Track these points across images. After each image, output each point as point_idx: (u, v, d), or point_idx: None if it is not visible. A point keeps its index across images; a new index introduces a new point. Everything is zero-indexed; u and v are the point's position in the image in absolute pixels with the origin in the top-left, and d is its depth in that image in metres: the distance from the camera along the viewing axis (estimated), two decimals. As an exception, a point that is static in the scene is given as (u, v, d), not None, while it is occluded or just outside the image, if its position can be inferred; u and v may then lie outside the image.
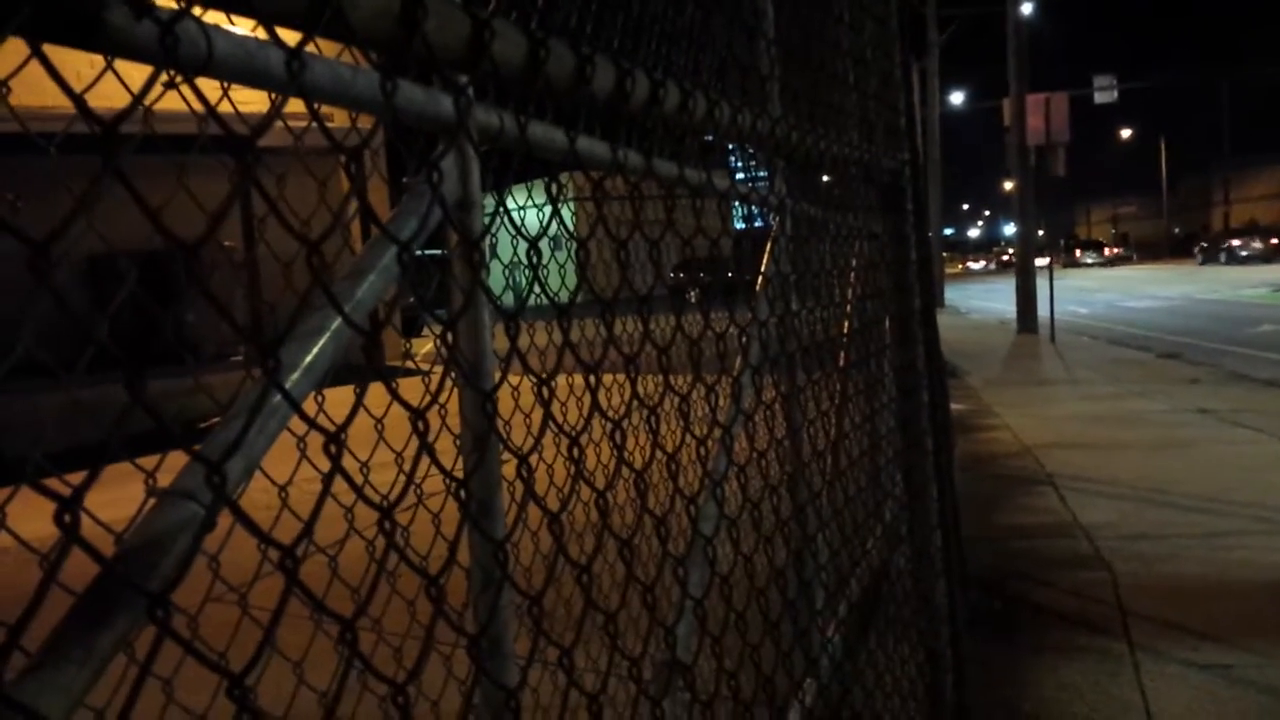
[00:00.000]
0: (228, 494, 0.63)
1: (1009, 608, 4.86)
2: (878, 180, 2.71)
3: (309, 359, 1.36)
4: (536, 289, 1.07)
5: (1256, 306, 23.16)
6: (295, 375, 1.33)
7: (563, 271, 2.56)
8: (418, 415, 0.77)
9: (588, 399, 1.16)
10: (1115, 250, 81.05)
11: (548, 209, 1.25)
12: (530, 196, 2.44)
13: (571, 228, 1.34)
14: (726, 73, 1.86)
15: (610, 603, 1.15)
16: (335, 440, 0.67)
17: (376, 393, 1.07)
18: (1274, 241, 53.00)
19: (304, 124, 1.64)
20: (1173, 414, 9.75)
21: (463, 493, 0.84)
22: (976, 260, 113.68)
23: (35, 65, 0.90)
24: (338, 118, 1.54)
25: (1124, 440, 8.62)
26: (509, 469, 1.49)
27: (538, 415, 1.09)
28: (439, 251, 2.07)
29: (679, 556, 1.25)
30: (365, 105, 1.52)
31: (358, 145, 0.80)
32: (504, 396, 1.99)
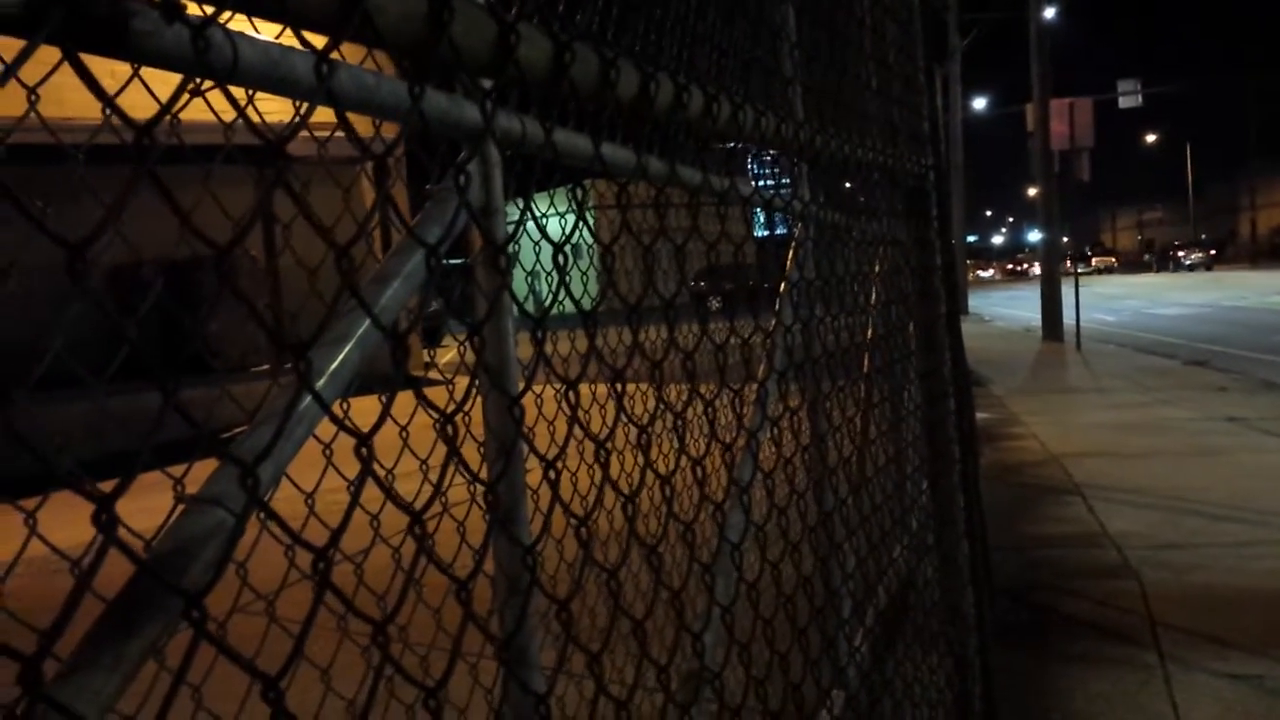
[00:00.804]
0: (260, 497, 0.63)
1: (1037, 617, 4.83)
2: (902, 185, 2.71)
3: (334, 365, 1.36)
4: (560, 295, 1.07)
5: (1285, 313, 22.98)
6: (321, 381, 1.33)
7: (585, 279, 2.56)
8: (446, 419, 0.77)
9: (611, 406, 1.16)
10: (1105, 260, 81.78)
11: (570, 216, 1.25)
12: (552, 204, 2.45)
13: (592, 236, 1.34)
14: (750, 76, 1.87)
15: (637, 611, 1.15)
16: (365, 443, 0.67)
17: (400, 403, 1.07)
18: (1213, 252, 60.28)
19: (326, 133, 1.66)
20: (1201, 422, 9.67)
21: (489, 498, 0.84)
22: (985, 269, 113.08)
23: (56, 76, 0.91)
24: (359, 126, 1.55)
25: (1152, 449, 8.56)
26: (533, 477, 1.50)
27: (561, 423, 1.09)
28: (461, 260, 2.08)
29: (705, 564, 1.24)
30: (389, 112, 1.52)
31: (383, 152, 0.80)
32: (528, 404, 2.00)
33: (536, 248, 1.87)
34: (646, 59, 1.28)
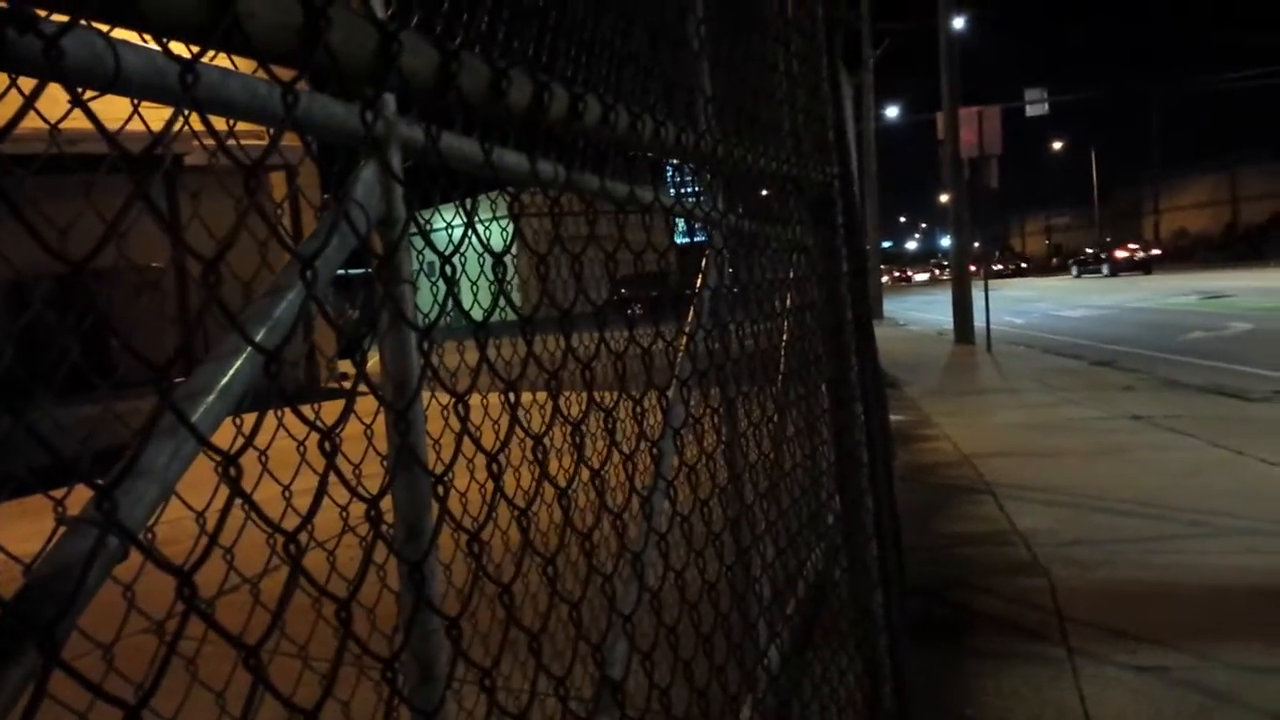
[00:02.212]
0: (119, 520, 0.61)
1: (950, 616, 4.90)
2: (807, 194, 2.73)
3: (225, 380, 1.33)
4: (448, 306, 1.06)
5: (1186, 314, 23.68)
6: (210, 398, 1.30)
7: (509, 286, 2.54)
8: (325, 435, 0.76)
9: (522, 415, 1.15)
10: (1006, 265, 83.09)
11: (493, 227, 1.24)
12: (479, 213, 2.42)
13: (514, 246, 1.33)
14: (651, 86, 1.87)
15: (551, 622, 1.14)
16: (233, 462, 0.65)
17: (326, 416, 1.05)
18: (1118, 255, 60.52)
19: (235, 140, 1.62)
20: (1107, 421, 9.92)
21: (375, 513, 0.82)
22: (919, 271, 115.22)
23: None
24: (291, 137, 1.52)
25: (1060, 448, 8.76)
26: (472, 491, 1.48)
27: (493, 428, 1.07)
28: (366, 270, 2.05)
29: (605, 574, 1.24)
30: (279, 120, 1.50)
31: (255, 161, 0.78)
32: (437, 418, 1.97)
33: (464, 258, 1.85)
34: (543, 68, 1.27)
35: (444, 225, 2.14)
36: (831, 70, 2.94)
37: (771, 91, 2.57)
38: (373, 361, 1.64)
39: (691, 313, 2.28)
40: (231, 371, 1.33)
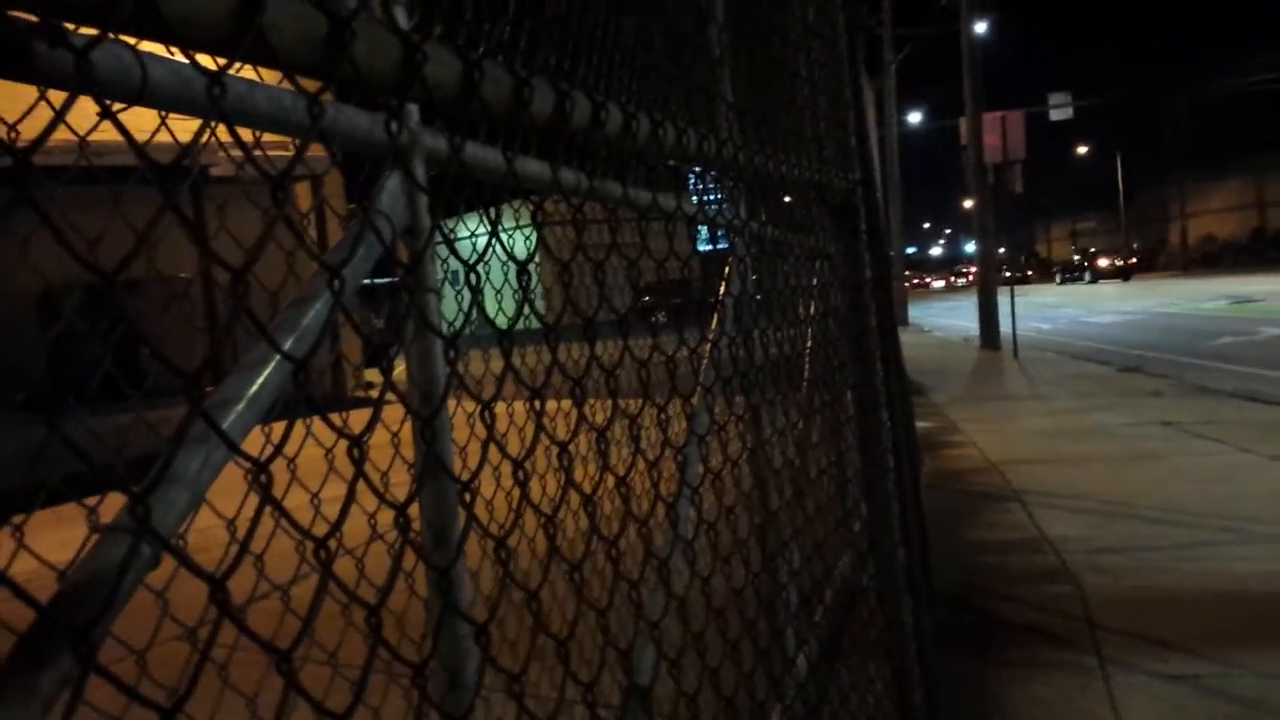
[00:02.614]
0: (153, 526, 0.62)
1: (978, 623, 4.87)
2: (830, 201, 2.73)
3: (253, 390, 1.34)
4: (477, 314, 1.06)
5: (1215, 319, 23.49)
6: (240, 407, 1.31)
7: (532, 295, 2.55)
8: (354, 442, 0.76)
9: (547, 423, 1.15)
10: (1013, 272, 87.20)
11: (517, 236, 1.25)
12: (481, 222, 2.44)
13: (537, 254, 1.34)
14: (672, 94, 1.88)
15: (580, 630, 1.15)
16: (263, 469, 0.66)
17: (350, 424, 1.06)
18: (1099, 264, 66.14)
19: (262, 153, 1.64)
20: (1136, 427, 9.85)
21: (403, 520, 0.83)
22: (936, 279, 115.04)
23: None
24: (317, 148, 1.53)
25: (1088, 454, 8.70)
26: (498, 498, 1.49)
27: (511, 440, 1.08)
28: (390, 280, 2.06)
29: (632, 580, 1.24)
30: (305, 131, 1.51)
31: (281, 171, 0.79)
32: (463, 425, 1.98)
33: (498, 267, 1.86)
34: (563, 76, 1.28)
35: (468, 234, 2.15)
36: (853, 76, 2.94)
37: (793, 98, 2.57)
38: (399, 370, 1.65)
39: (715, 320, 2.28)
40: (260, 380, 1.35)
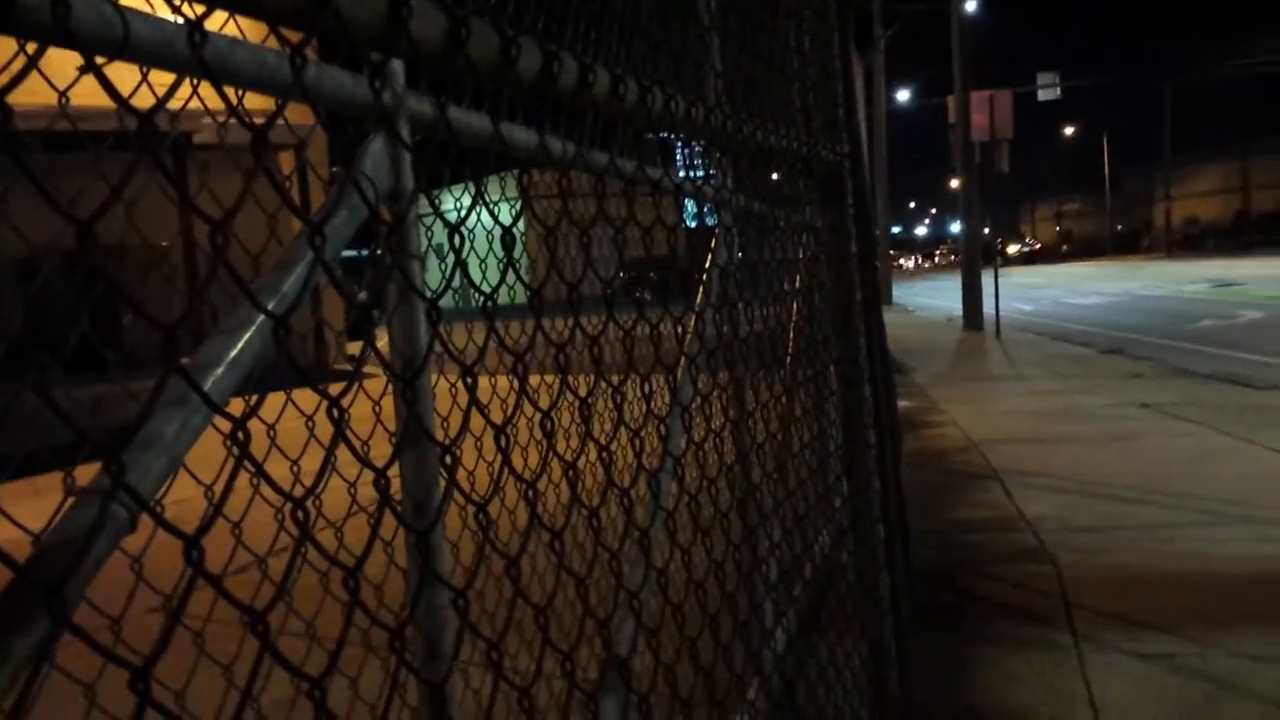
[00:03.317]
0: (129, 483, 0.61)
1: (955, 601, 4.91)
2: (817, 173, 2.72)
3: (233, 353, 1.33)
4: (461, 280, 1.05)
5: (1197, 302, 23.62)
6: (219, 370, 1.30)
7: (517, 266, 2.54)
8: (333, 402, 0.75)
9: (536, 393, 1.14)
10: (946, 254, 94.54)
11: (502, 206, 1.23)
12: (487, 192, 2.42)
13: (523, 226, 1.33)
14: (660, 60, 1.86)
15: (558, 601, 1.14)
16: (241, 426, 0.65)
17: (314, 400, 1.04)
18: (1009, 250, 74.33)
19: (250, 118, 1.62)
20: (1116, 408, 9.91)
21: (383, 482, 0.82)
22: (908, 258, 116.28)
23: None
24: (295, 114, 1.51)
25: (1068, 435, 8.75)
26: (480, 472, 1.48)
27: (485, 413, 1.07)
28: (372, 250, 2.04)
29: (612, 550, 1.23)
30: (290, 91, 1.49)
31: (265, 120, 0.77)
32: (445, 397, 1.97)
33: (482, 235, 1.85)
34: (551, 38, 1.26)
35: (452, 204, 2.13)
36: (843, 47, 2.92)
37: (782, 68, 2.55)
38: (380, 343, 1.64)
39: (701, 292, 2.27)
40: (240, 344, 1.33)
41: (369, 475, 0.90)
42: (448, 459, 0.90)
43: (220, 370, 1.29)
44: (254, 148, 0.73)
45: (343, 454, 1.35)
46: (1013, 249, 78.14)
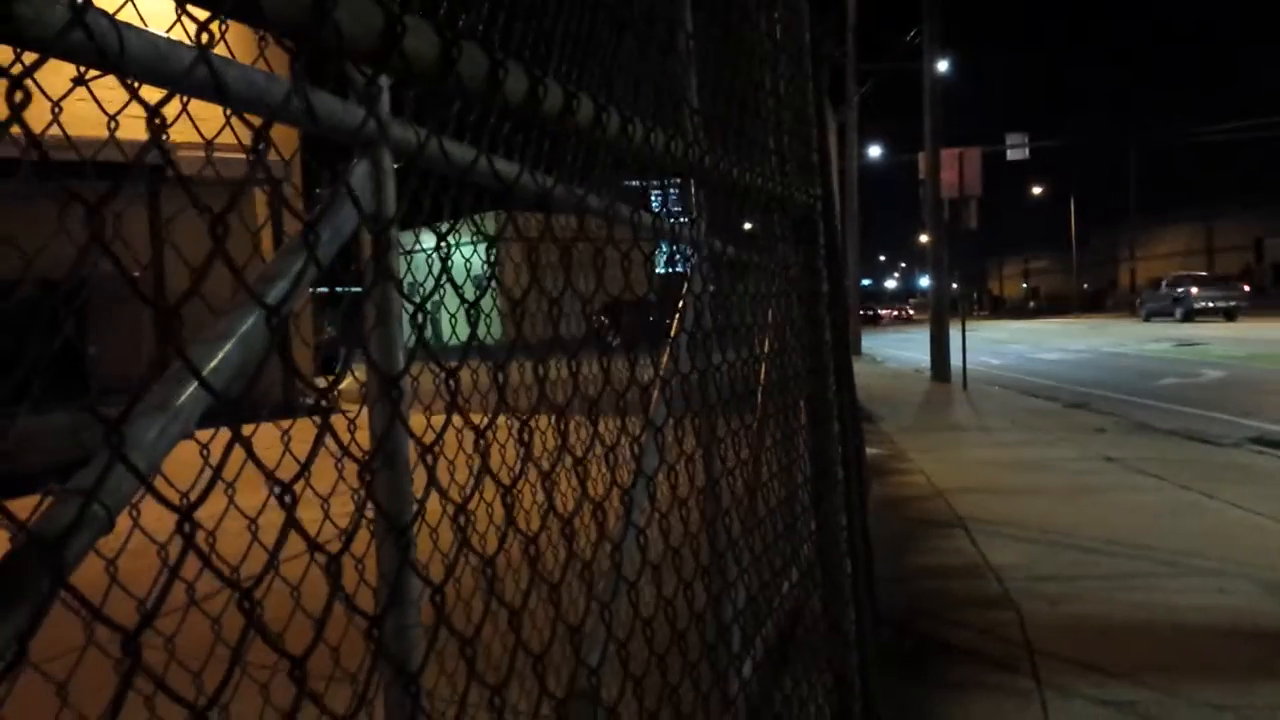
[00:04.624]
0: (124, 452, 0.63)
1: (920, 646, 4.93)
2: (791, 213, 2.78)
3: (214, 363, 1.35)
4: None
5: (1160, 360, 23.90)
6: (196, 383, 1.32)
7: (488, 319, 2.57)
8: (322, 395, 0.78)
9: (510, 446, 1.17)
10: (898, 311, 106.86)
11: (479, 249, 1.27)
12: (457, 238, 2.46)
13: (494, 270, 1.37)
14: (640, 94, 1.91)
15: (527, 630, 1.16)
16: (231, 407, 0.68)
17: (298, 435, 1.07)
18: (884, 314, 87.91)
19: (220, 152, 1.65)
20: (1080, 461, 10.00)
21: (368, 472, 0.85)
22: (887, 309, 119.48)
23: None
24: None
25: (1033, 485, 8.82)
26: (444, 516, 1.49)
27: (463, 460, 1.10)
28: (358, 289, 2.07)
29: (588, 564, 1.26)
30: (280, 112, 1.53)
31: (258, 129, 0.81)
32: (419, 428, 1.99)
33: (441, 286, 1.88)
34: (534, 64, 1.30)
35: (430, 248, 2.17)
36: (817, 94, 3.00)
37: (757, 110, 2.62)
38: (347, 382, 1.66)
39: (677, 320, 2.31)
40: (222, 354, 1.35)
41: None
42: (427, 459, 0.93)
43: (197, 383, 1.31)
44: (255, 143, 0.76)
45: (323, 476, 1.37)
46: (885, 311, 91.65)
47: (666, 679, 1.40)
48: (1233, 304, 44.38)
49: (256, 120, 1.46)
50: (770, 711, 2.28)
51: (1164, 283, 49.41)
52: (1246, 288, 47.96)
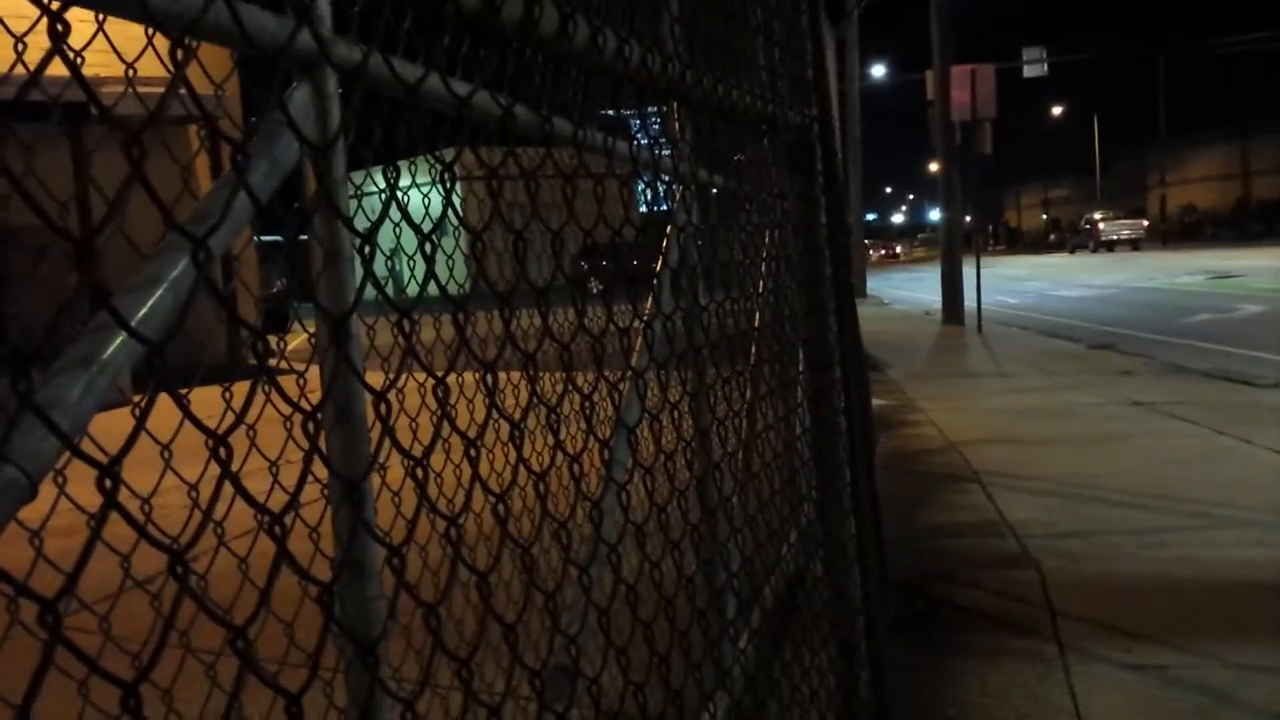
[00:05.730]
0: (37, 404, 0.62)
1: (933, 610, 4.97)
2: (784, 137, 2.75)
3: (144, 311, 1.33)
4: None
5: (1193, 294, 24.03)
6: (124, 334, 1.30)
7: (450, 262, 2.55)
8: (259, 336, 0.77)
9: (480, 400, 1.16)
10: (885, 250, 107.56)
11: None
12: (413, 176, 2.43)
13: (460, 212, 1.34)
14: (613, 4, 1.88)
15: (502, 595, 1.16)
16: (157, 347, 0.66)
17: (240, 397, 1.06)
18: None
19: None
20: (1105, 407, 10.07)
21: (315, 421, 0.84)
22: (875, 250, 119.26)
23: None
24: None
25: (1053, 435, 8.88)
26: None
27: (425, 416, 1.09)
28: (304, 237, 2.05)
29: (562, 520, 1.26)
30: (209, 31, 1.49)
31: (179, 45, 0.79)
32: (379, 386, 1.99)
33: (397, 230, 1.85)
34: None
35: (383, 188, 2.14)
36: (811, 4, 2.96)
37: (745, 19, 2.58)
38: (298, 341, 1.65)
39: (661, 260, 2.29)
40: (152, 301, 1.33)
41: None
42: (382, 407, 0.92)
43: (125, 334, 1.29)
44: (172, 52, 0.75)
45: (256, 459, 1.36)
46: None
47: (654, 649, 1.41)
48: (1137, 236, 62.22)
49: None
50: (768, 678, 2.29)
51: (1083, 220, 67.38)
52: (1145, 223, 66.42)
